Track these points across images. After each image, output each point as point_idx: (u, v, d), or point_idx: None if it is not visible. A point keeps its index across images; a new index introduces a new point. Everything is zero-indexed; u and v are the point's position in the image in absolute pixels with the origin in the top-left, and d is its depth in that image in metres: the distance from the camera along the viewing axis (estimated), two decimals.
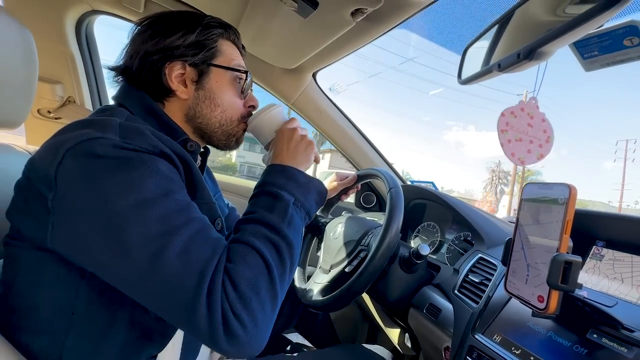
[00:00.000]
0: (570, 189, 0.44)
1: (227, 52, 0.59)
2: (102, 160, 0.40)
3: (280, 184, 0.51)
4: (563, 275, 0.42)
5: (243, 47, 0.65)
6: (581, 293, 0.52)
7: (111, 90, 0.62)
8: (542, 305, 0.44)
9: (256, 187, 0.53)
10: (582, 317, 0.49)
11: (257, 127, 0.62)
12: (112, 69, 0.58)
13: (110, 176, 0.39)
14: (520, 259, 0.50)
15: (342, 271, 0.78)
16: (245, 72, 0.61)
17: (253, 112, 0.64)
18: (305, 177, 0.55)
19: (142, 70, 0.55)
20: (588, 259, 0.61)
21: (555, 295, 0.43)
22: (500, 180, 28.33)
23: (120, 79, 0.58)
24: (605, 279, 0.57)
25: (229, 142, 0.62)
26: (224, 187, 0.86)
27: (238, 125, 0.62)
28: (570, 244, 0.45)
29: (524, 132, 0.58)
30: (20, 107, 0.61)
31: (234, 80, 0.60)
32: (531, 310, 0.46)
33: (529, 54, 0.42)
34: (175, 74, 0.55)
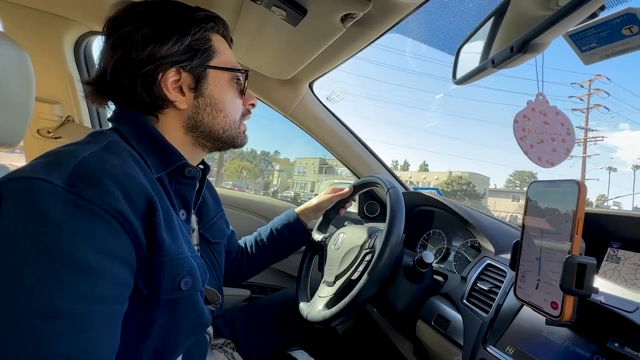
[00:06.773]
0: (579, 185, 0.42)
1: (222, 50, 0.54)
2: (28, 207, 0.34)
3: None
4: (577, 279, 0.39)
5: (231, 39, 0.60)
6: (597, 298, 0.49)
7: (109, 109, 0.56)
8: (556, 313, 0.41)
9: None
10: (601, 325, 0.46)
11: None
12: (91, 83, 0.51)
13: (25, 224, 0.34)
14: (529, 263, 0.47)
15: (349, 280, 0.74)
16: (245, 72, 0.57)
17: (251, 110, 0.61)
18: None
19: (134, 84, 0.48)
20: (604, 261, 0.58)
21: (570, 301, 0.40)
22: None
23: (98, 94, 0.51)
24: (623, 282, 0.53)
25: (233, 144, 0.58)
26: (225, 202, 0.84)
27: (240, 126, 0.58)
28: (583, 245, 0.42)
29: (542, 131, 0.55)
30: (17, 127, 0.61)
31: (232, 80, 0.56)
32: (545, 318, 0.43)
33: (522, 46, 0.41)
34: (171, 81, 0.49)
